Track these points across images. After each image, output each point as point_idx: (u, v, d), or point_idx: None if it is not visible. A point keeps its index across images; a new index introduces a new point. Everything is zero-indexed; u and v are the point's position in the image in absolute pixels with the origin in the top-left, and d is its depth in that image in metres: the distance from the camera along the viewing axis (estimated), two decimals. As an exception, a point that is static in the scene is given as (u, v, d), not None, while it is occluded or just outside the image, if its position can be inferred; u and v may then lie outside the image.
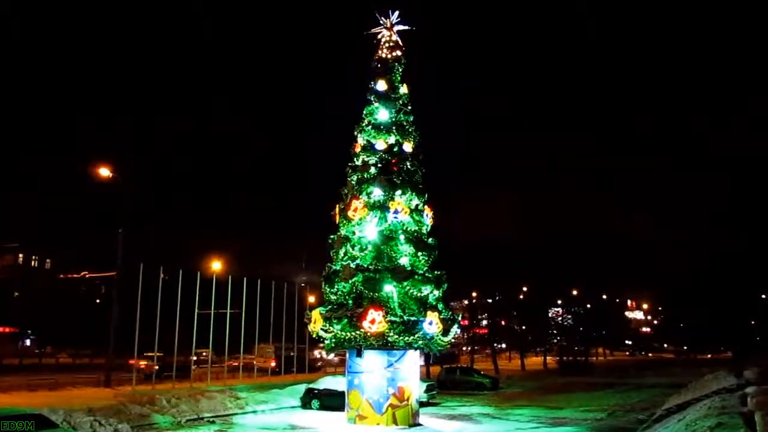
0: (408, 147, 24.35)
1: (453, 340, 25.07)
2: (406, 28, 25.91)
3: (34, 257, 74.07)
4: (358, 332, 21.24)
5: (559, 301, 72.63)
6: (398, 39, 25.69)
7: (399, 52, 25.44)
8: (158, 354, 34.00)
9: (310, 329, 23.21)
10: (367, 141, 24.20)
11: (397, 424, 21.51)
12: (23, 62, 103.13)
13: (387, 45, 25.44)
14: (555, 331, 68.67)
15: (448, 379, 38.66)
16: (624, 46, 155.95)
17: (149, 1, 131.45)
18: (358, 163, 24.08)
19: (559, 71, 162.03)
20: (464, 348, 60.32)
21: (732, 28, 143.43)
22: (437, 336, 22.04)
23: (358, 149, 24.33)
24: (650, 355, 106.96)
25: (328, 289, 22.78)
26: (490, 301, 62.17)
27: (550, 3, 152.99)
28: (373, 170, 23.57)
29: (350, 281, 22.28)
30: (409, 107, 25.11)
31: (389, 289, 21.96)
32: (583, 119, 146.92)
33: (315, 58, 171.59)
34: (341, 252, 23.12)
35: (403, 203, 22.85)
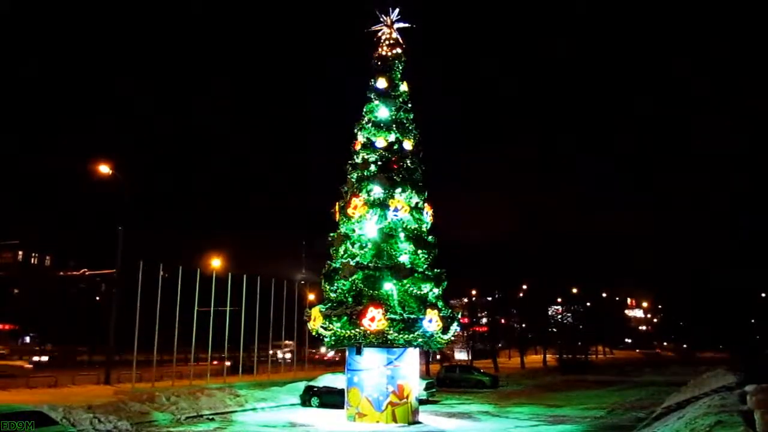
0: (408, 145, 24.34)
1: (451, 338, 24.98)
2: (407, 25, 25.89)
3: (33, 255, 73.94)
4: (357, 330, 21.23)
5: (559, 299, 72.68)
6: (398, 36, 25.66)
7: (399, 50, 25.41)
8: None
9: (309, 327, 23.20)
10: (367, 139, 24.21)
11: (396, 422, 21.52)
12: (23, 61, 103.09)
13: (387, 43, 25.42)
14: (555, 329, 68.68)
15: (448, 377, 38.67)
16: (624, 45, 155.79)
17: (150, 1, 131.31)
18: (358, 160, 24.07)
19: (559, 69, 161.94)
20: (499, 345, 61.43)
21: (731, 28, 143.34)
22: (437, 334, 22.03)
23: (358, 147, 24.32)
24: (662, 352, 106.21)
25: (328, 287, 22.78)
26: (489, 299, 62.16)
27: (551, 1, 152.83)
28: (373, 168, 23.55)
29: (350, 279, 22.30)
30: (410, 105, 25.09)
31: (389, 286, 21.95)
32: (584, 118, 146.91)
33: (315, 56, 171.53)
34: (341, 250, 23.13)
35: (403, 201, 22.84)
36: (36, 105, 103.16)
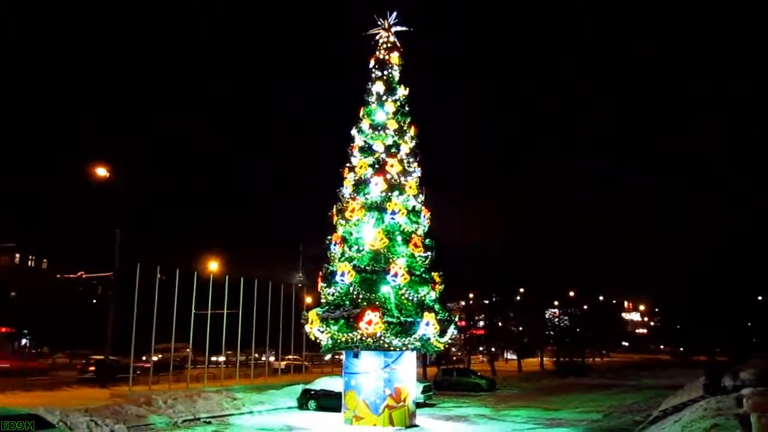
0: (405, 148, 24.37)
1: (448, 341, 25.02)
2: (404, 29, 25.95)
3: (30, 257, 73.82)
4: (354, 333, 21.21)
5: (556, 303, 72.75)
6: (396, 40, 25.72)
7: (397, 53, 25.45)
8: None
9: (306, 330, 23.18)
10: (365, 142, 24.25)
11: (393, 425, 21.49)
12: (23, 62, 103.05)
13: (385, 46, 25.48)
14: (552, 333, 68.75)
15: (445, 380, 38.66)
16: (624, 48, 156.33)
17: (150, 3, 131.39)
18: (356, 163, 24.09)
19: (557, 72, 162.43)
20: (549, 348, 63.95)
21: (731, 29, 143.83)
22: (434, 337, 22.02)
23: (355, 150, 24.35)
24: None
25: (325, 290, 22.77)
26: (486, 302, 62.16)
27: (551, 8, 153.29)
28: (370, 171, 23.57)
29: (347, 282, 22.28)
30: (407, 108, 25.13)
31: (386, 290, 21.95)
32: (583, 122, 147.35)
33: (314, 59, 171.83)
34: (338, 253, 23.13)
35: (400, 204, 22.86)
36: (36, 105, 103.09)
